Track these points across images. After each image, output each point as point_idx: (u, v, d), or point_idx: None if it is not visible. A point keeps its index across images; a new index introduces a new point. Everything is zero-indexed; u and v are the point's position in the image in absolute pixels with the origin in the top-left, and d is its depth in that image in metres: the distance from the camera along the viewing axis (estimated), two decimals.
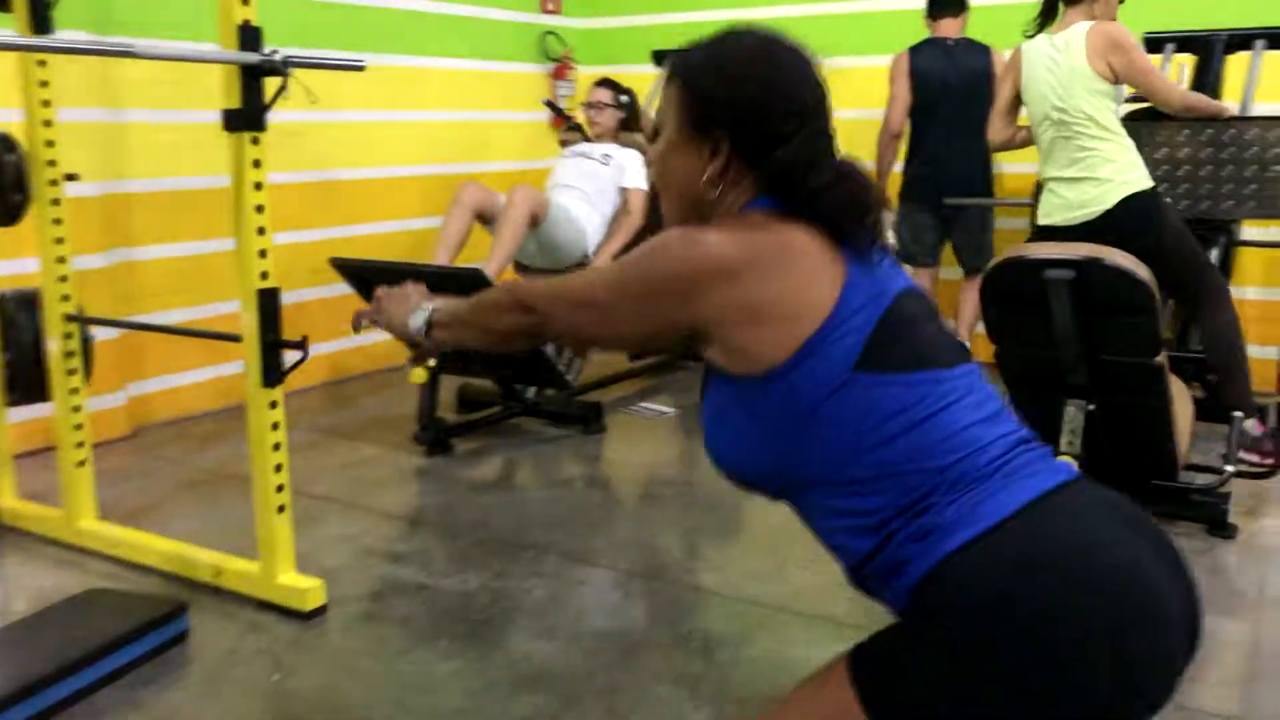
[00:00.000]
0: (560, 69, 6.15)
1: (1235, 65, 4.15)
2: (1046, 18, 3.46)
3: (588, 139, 4.84)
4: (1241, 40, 4.14)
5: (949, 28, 4.61)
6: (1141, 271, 2.72)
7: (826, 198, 1.23)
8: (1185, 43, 4.21)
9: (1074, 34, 3.34)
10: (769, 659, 2.53)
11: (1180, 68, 4.23)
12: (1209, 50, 4.14)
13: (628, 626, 2.71)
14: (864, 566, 1.22)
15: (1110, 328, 2.79)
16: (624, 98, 4.79)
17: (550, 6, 6.17)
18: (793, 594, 2.88)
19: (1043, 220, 3.42)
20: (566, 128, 5.24)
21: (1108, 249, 2.77)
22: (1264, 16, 4.25)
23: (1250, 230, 4.38)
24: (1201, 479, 3.30)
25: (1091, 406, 2.93)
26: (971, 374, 1.24)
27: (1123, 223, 3.20)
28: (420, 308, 1.51)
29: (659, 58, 5.34)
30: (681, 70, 1.32)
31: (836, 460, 1.19)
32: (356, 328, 1.72)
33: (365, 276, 4.11)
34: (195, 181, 4.46)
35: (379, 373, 5.30)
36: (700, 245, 1.21)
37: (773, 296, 1.19)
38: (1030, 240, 3.63)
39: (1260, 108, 4.09)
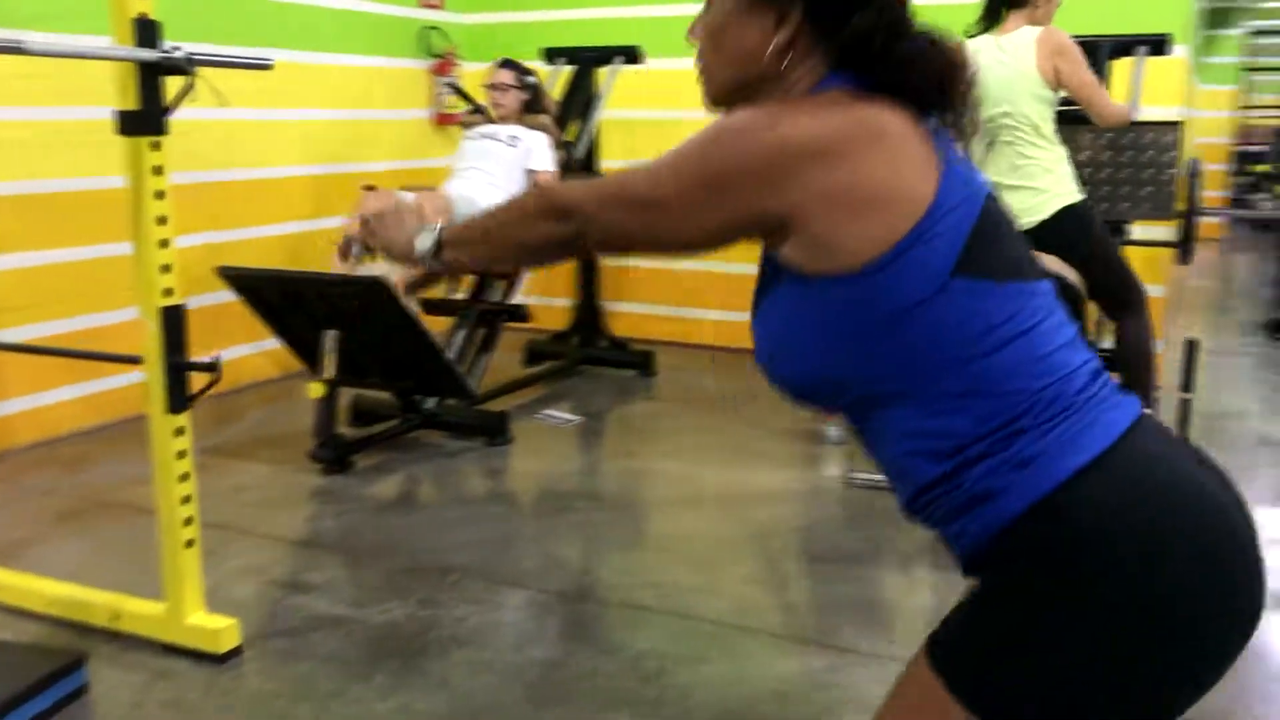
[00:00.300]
0: (443, 65, 5.94)
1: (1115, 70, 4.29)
2: (991, 19, 3.47)
3: (491, 121, 4.72)
4: (1124, 46, 4.28)
5: None
6: (1070, 275, 2.76)
7: (916, 68, 1.09)
8: None
9: (1022, 38, 3.35)
10: (727, 678, 2.45)
11: None
12: (1095, 55, 4.26)
13: (571, 652, 2.59)
14: (927, 494, 1.11)
15: None
16: (529, 78, 4.69)
17: (432, 0, 5.96)
18: (737, 608, 2.81)
19: None
20: (469, 110, 5.08)
21: (1036, 254, 2.79)
22: (1145, 24, 4.41)
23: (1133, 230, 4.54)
24: None
25: None
26: (1050, 292, 1.15)
27: (1058, 233, 3.23)
28: (426, 227, 1.32)
29: (551, 55, 5.21)
30: None
31: (921, 373, 1.07)
32: (346, 256, 1.53)
33: (255, 287, 3.86)
34: (59, 184, 4.11)
35: (265, 384, 5.02)
36: (788, 123, 1.06)
37: (870, 182, 1.04)
38: None
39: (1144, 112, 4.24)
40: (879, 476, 3.99)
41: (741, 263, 5.79)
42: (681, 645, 2.63)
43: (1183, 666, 1.03)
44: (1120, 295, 3.38)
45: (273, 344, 4.34)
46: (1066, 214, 3.27)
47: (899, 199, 1.05)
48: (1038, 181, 3.30)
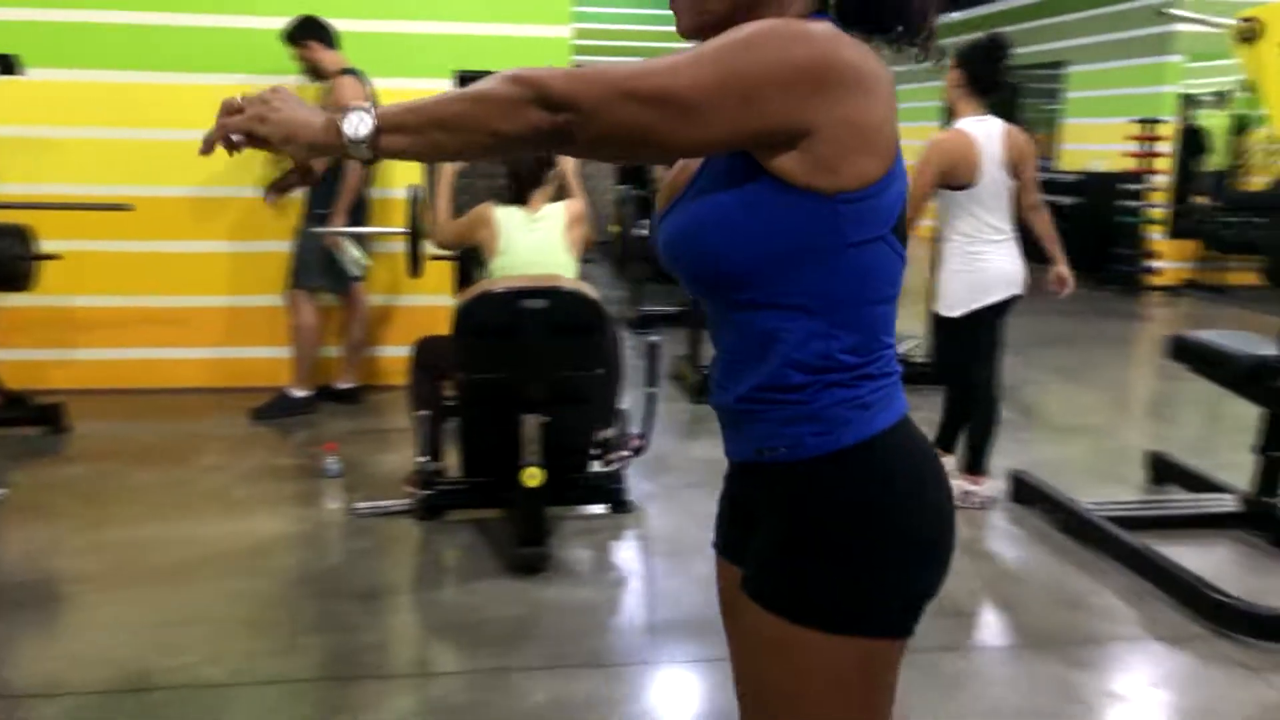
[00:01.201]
0: None
1: None
2: None
3: None
4: None
5: (335, 60, 4.60)
6: (594, 293, 3.06)
7: (913, 4, 1.20)
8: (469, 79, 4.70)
9: None
10: None
11: None
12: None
13: None
14: (774, 394, 1.22)
15: (569, 348, 3.10)
16: None
17: None
18: (319, 660, 2.68)
19: None
20: None
21: (559, 277, 3.06)
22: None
23: None
24: (599, 466, 3.78)
25: (547, 419, 3.21)
26: None
27: None
28: (355, 108, 1.13)
29: None
30: None
31: (833, 299, 1.18)
32: (209, 148, 1.19)
33: None
34: None
35: None
36: (829, 42, 1.10)
37: (876, 120, 1.12)
38: None
39: None
40: (383, 503, 3.98)
41: (149, 295, 5.27)
42: (286, 714, 2.45)
43: (948, 553, 1.30)
44: None
45: None
46: None
47: (886, 143, 1.14)
48: None
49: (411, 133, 1.13)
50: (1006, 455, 4.21)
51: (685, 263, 1.23)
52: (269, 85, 1.21)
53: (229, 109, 1.19)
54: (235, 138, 1.19)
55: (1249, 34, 3.36)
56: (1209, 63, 9.77)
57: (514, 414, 3.19)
